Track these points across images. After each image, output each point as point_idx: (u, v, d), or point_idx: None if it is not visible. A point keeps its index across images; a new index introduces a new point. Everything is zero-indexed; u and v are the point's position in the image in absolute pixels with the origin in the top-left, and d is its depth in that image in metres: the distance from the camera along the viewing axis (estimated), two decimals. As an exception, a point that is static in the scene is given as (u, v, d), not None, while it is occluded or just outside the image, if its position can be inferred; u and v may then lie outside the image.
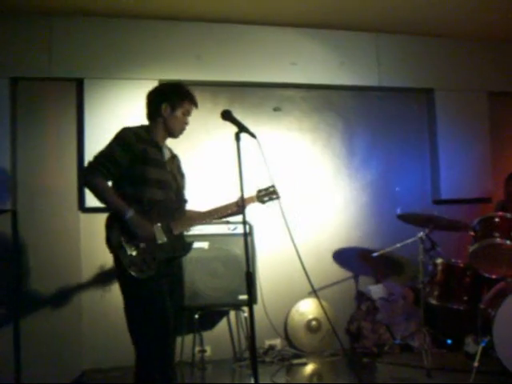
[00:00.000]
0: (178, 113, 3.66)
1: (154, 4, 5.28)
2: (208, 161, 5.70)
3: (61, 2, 5.13)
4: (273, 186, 3.81)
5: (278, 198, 3.79)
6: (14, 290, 5.19)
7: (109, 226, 3.49)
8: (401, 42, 6.26)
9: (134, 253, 3.38)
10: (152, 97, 3.73)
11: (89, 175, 3.46)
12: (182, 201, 3.78)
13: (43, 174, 5.37)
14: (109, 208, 3.49)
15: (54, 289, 5.25)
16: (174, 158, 3.84)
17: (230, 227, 5.32)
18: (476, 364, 4.44)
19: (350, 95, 6.27)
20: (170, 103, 3.64)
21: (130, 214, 3.37)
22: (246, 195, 3.60)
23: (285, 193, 3.88)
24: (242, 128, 3.32)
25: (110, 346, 5.26)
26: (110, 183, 3.52)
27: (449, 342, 5.29)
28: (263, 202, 3.80)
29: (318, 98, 6.17)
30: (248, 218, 3.47)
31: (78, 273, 5.35)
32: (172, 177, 3.69)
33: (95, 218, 5.34)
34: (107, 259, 5.22)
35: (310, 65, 5.96)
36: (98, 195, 3.46)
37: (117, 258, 3.47)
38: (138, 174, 3.47)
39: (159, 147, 3.64)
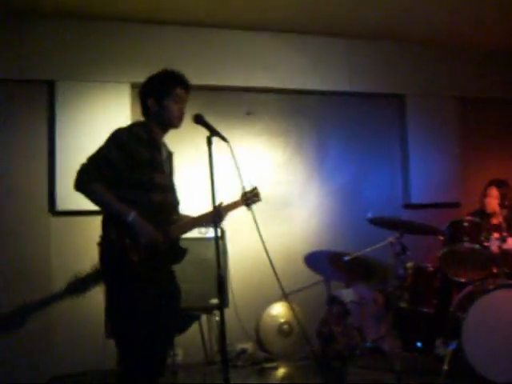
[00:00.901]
0: (168, 103, 3.43)
1: (127, 7, 5.26)
2: (179, 165, 5.67)
3: (32, 3, 5.08)
4: (255, 188, 3.75)
5: (259, 200, 3.74)
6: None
7: (106, 226, 3.30)
8: (372, 47, 6.32)
9: (135, 258, 3.20)
10: (140, 93, 3.52)
11: (82, 179, 3.29)
12: (177, 203, 3.64)
13: (13, 177, 5.31)
14: (108, 212, 3.31)
15: (23, 293, 5.16)
16: (170, 155, 3.67)
17: (202, 231, 5.31)
18: (445, 367, 4.49)
19: (321, 100, 6.31)
20: (156, 97, 3.43)
21: (133, 215, 3.19)
22: (231, 200, 3.59)
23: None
24: (213, 132, 3.27)
25: (80, 351, 5.23)
26: None
27: (419, 345, 5.32)
28: (248, 205, 3.71)
29: (289, 103, 6.20)
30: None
31: (47, 278, 5.29)
32: (169, 179, 3.57)
33: (67, 221, 5.32)
34: (79, 264, 5.21)
35: (282, 69, 5.99)
36: (95, 199, 3.28)
37: (110, 256, 3.26)
38: (135, 178, 3.30)
39: (157, 147, 3.48)
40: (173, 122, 3.49)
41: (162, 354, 3.44)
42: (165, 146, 3.62)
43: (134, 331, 3.23)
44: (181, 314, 3.69)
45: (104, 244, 3.31)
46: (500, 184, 5.57)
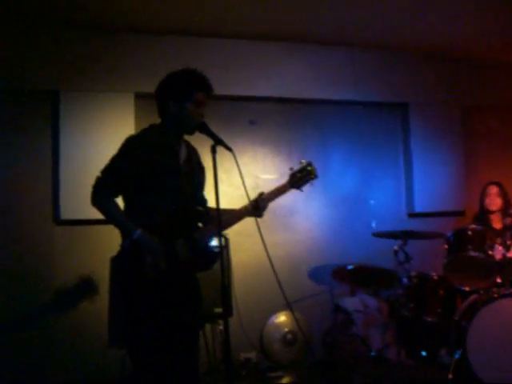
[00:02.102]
0: (189, 107, 3.30)
1: (131, 17, 5.27)
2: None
3: (37, 14, 5.10)
4: (310, 164, 3.52)
5: (315, 177, 3.53)
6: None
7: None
8: (376, 56, 6.32)
9: (151, 274, 3.14)
10: (158, 94, 3.39)
11: (95, 196, 3.25)
12: (198, 207, 3.50)
13: (17, 186, 5.30)
14: (118, 229, 3.28)
15: (26, 302, 5.19)
16: (191, 154, 3.51)
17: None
18: (450, 376, 4.48)
19: (325, 109, 6.31)
20: (177, 99, 3.30)
21: (137, 234, 3.13)
22: (275, 185, 3.44)
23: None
24: (217, 141, 3.20)
25: (82, 360, 5.21)
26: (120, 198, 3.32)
27: (423, 353, 5.30)
28: (299, 186, 3.52)
29: (293, 112, 6.20)
30: (229, 228, 3.44)
31: (51, 286, 5.27)
32: (188, 182, 3.40)
33: (71, 230, 5.32)
34: (83, 273, 5.24)
35: (285, 78, 5.99)
36: (106, 217, 3.27)
37: (127, 269, 3.23)
38: (149, 185, 3.23)
39: (172, 150, 3.36)
40: (190, 128, 3.35)
41: (182, 362, 3.35)
42: (186, 146, 3.50)
43: (147, 342, 3.17)
44: (199, 323, 3.60)
45: (121, 256, 3.29)
46: (498, 183, 5.65)
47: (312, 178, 3.53)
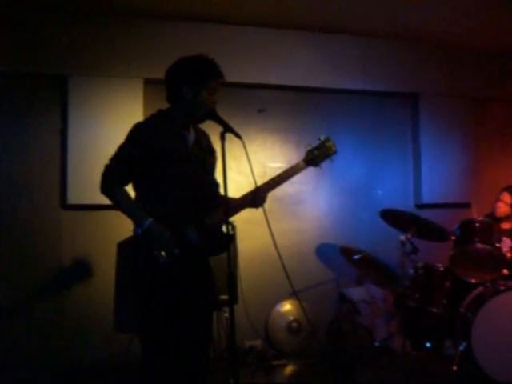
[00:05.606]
0: (203, 94, 3.26)
1: (140, 1, 5.25)
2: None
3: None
4: (328, 139, 3.45)
5: (335, 152, 3.45)
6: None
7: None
8: (387, 46, 6.29)
9: (165, 260, 3.13)
10: (170, 77, 3.33)
11: (104, 184, 3.24)
12: (212, 190, 3.46)
13: (25, 171, 5.31)
14: (128, 217, 3.25)
15: (34, 287, 5.23)
16: (200, 138, 3.43)
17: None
18: (454, 367, 4.48)
19: (335, 98, 6.28)
20: (192, 85, 3.25)
21: (147, 224, 3.11)
22: (289, 164, 3.40)
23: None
24: (227, 128, 3.17)
25: (88, 348, 5.24)
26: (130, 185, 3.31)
27: (428, 345, 5.31)
28: (318, 163, 3.48)
29: (303, 101, 6.17)
30: (231, 218, 3.42)
31: (58, 270, 5.30)
32: (196, 166, 3.34)
33: (78, 215, 5.33)
34: (90, 257, 5.26)
35: (296, 67, 5.96)
36: (115, 206, 3.25)
37: (140, 256, 3.22)
38: (159, 171, 3.20)
39: (179, 136, 3.31)
40: (200, 115, 3.32)
41: (193, 348, 3.31)
42: (195, 130, 3.43)
43: (158, 329, 3.18)
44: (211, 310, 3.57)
45: (134, 243, 3.29)
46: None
47: (331, 154, 3.48)
